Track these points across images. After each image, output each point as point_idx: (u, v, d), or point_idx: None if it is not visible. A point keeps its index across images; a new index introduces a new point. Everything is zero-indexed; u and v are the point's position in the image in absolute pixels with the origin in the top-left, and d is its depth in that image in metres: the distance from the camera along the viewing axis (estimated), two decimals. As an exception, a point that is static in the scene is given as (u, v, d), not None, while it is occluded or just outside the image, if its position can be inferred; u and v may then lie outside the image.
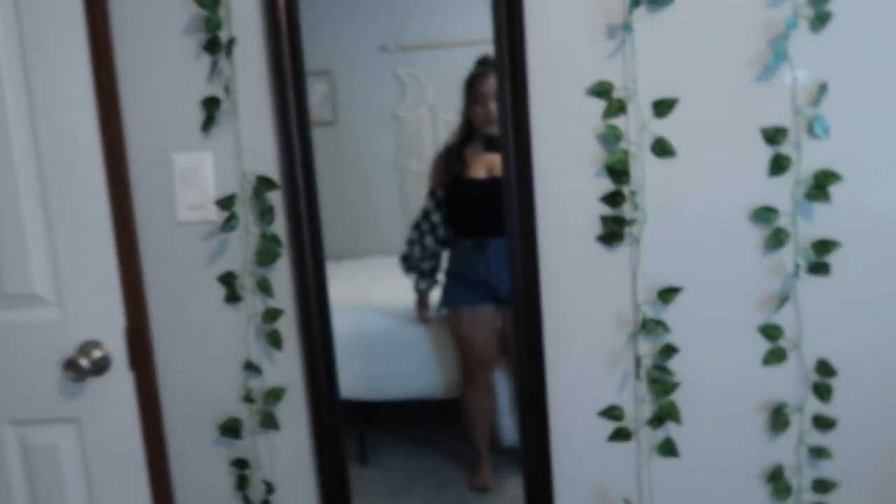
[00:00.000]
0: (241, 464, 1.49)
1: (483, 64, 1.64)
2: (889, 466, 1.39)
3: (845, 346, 1.36)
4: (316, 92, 1.69)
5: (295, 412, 1.48)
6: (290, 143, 1.40)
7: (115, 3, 1.41)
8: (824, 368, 1.36)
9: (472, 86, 1.65)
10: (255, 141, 1.43)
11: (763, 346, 1.37)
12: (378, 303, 1.87)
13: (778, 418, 1.37)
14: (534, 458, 1.42)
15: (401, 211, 1.88)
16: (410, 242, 1.77)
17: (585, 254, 1.39)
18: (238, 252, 1.46)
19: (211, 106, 1.42)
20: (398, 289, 1.84)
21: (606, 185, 1.37)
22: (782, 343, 1.36)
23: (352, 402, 1.70)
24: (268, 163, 1.43)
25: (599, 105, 1.35)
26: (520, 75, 1.34)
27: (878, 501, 1.39)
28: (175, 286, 1.49)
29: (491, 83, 1.54)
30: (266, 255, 1.43)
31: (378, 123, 1.78)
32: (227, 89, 1.40)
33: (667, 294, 1.36)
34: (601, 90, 1.35)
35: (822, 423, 1.37)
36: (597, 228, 1.38)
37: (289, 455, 1.50)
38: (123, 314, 1.44)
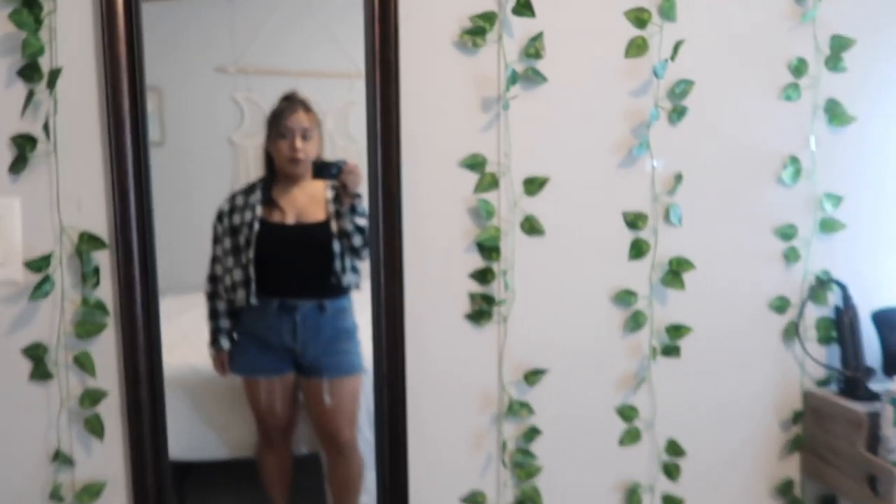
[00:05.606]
0: (42, 576, 1.24)
1: (289, 100, 1.50)
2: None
3: (693, 426, 1.42)
4: (141, 109, 1.52)
5: (115, 512, 1.27)
6: (125, 197, 1.21)
7: None
8: (673, 448, 1.41)
9: (278, 119, 1.49)
10: (79, 190, 1.22)
11: (620, 426, 1.39)
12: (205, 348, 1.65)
13: (631, 499, 1.39)
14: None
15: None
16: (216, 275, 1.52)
17: (453, 331, 1.33)
18: (51, 320, 1.22)
19: (23, 145, 1.19)
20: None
21: (476, 261, 1.33)
22: (637, 424, 1.39)
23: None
24: (95, 217, 1.22)
25: (472, 178, 1.31)
26: (392, 141, 1.27)
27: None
28: (-39, 359, 1.22)
29: (299, 119, 1.45)
30: (88, 325, 1.21)
31: (211, 149, 1.60)
32: (45, 128, 1.18)
33: (533, 375, 1.34)
34: (474, 163, 1.31)
35: (671, 502, 1.42)
36: (465, 305, 1.33)
37: (105, 563, 1.27)
38: None
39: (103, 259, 1.23)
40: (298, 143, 1.46)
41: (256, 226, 1.46)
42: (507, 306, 1.33)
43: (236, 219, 1.48)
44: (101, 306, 1.22)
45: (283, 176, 1.48)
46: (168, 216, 1.46)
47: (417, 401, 1.32)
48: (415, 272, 1.30)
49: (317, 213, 1.47)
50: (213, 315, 1.51)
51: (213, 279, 1.50)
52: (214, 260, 1.50)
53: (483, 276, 1.32)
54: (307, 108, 1.48)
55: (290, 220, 1.48)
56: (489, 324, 1.33)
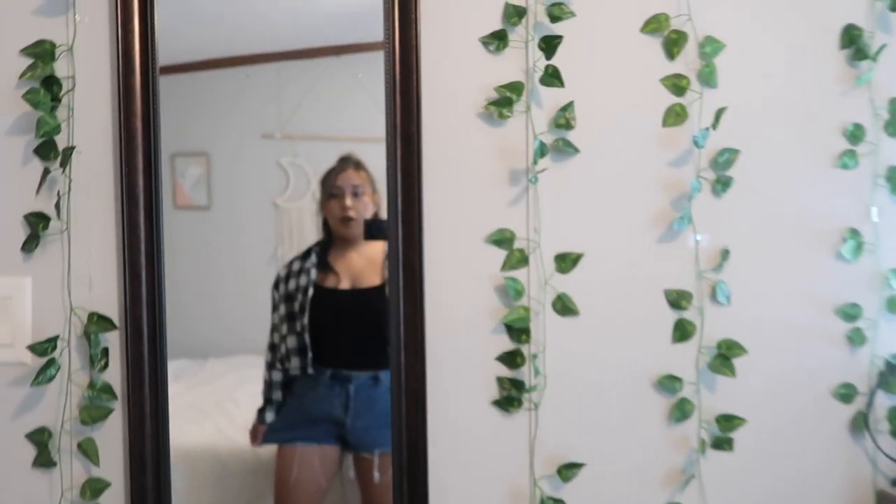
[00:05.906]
0: None
1: (342, 160, 1.48)
2: None
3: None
4: (189, 174, 1.55)
5: None
6: (137, 278, 1.16)
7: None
8: (728, 555, 1.26)
9: (329, 179, 1.47)
10: (90, 269, 1.18)
11: (666, 528, 1.26)
12: (242, 414, 1.57)
13: None
14: None
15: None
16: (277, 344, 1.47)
17: (479, 419, 1.23)
18: (57, 403, 1.17)
19: (36, 223, 1.17)
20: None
21: (504, 344, 1.23)
22: (686, 526, 1.26)
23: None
24: (105, 297, 1.18)
25: (499, 255, 1.23)
26: (415, 216, 1.20)
27: None
28: (-36, 443, 1.17)
29: (349, 177, 1.43)
30: (94, 410, 1.15)
31: (257, 212, 1.61)
32: (57, 206, 1.16)
33: (567, 470, 1.22)
34: (501, 239, 1.23)
35: None
36: (493, 391, 1.23)
37: None
38: None
39: (113, 340, 1.18)
40: (349, 201, 1.43)
41: (310, 291, 1.42)
42: (539, 393, 1.23)
43: (291, 284, 1.44)
44: (108, 390, 1.17)
45: (339, 239, 1.45)
46: (210, 279, 1.49)
47: (440, 495, 1.22)
48: (438, 354, 1.21)
49: (373, 278, 1.42)
50: (268, 386, 1.46)
51: (272, 348, 1.45)
52: (273, 328, 1.45)
53: (512, 359, 1.23)
54: (358, 166, 1.46)
55: (345, 284, 1.43)
56: (519, 412, 1.23)
